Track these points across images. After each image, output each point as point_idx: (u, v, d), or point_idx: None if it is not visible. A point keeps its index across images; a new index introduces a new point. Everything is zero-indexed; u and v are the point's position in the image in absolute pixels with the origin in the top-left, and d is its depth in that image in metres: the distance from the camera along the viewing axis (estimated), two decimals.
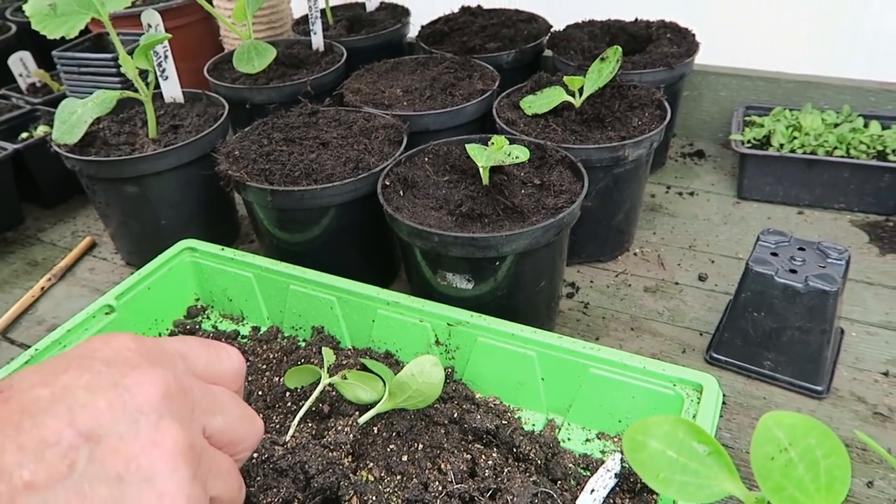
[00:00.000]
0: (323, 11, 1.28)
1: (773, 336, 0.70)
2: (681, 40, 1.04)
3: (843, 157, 0.95)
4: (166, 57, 0.97)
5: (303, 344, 0.78)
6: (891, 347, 0.76)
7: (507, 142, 0.73)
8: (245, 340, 0.80)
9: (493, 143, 0.72)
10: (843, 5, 1.16)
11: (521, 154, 0.70)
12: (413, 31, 1.26)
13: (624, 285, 0.88)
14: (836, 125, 1.00)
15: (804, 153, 0.96)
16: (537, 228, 0.66)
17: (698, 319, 0.81)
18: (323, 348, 0.66)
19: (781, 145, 0.98)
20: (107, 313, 0.75)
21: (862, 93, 1.04)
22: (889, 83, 1.04)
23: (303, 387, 0.69)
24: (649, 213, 1.01)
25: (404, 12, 1.28)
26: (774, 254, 0.71)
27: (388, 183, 0.77)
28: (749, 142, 1.01)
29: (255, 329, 0.81)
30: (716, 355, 0.75)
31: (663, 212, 1.01)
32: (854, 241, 0.92)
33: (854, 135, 0.96)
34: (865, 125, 0.99)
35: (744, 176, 1.00)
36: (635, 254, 0.93)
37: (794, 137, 0.98)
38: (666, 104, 0.88)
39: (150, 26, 0.94)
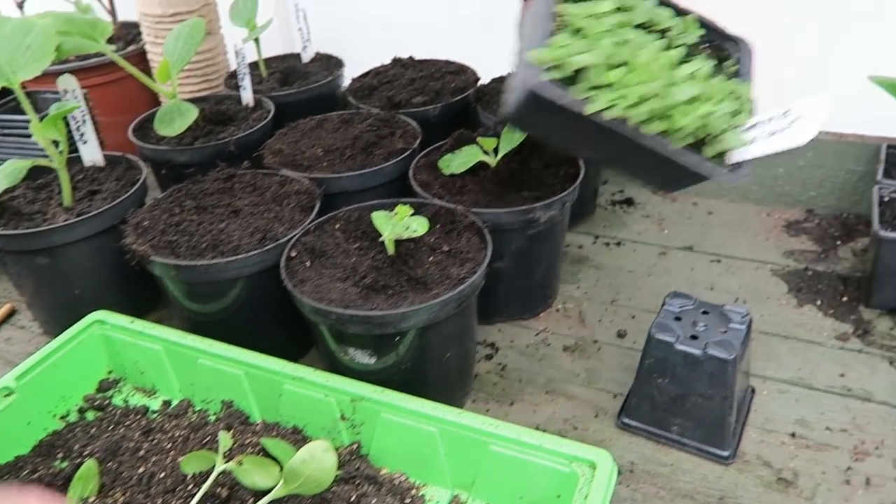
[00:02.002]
0: (256, 64, 1.28)
1: (678, 402, 0.70)
2: None
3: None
4: (84, 121, 0.96)
5: (212, 418, 0.76)
6: (800, 406, 0.76)
7: (411, 210, 0.73)
8: (154, 415, 0.78)
9: (396, 213, 0.72)
10: (767, 55, 1.17)
11: (420, 227, 0.70)
12: (347, 82, 1.26)
13: (543, 344, 0.87)
14: None
15: None
16: (435, 304, 0.66)
17: (613, 380, 0.81)
18: (220, 433, 0.65)
19: None
20: (6, 395, 0.73)
21: None
22: None
23: (202, 471, 0.67)
24: (575, 264, 1.02)
25: (338, 64, 1.28)
26: (678, 318, 0.72)
27: (294, 254, 0.76)
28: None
29: (167, 403, 0.80)
30: (626, 420, 0.75)
31: (589, 264, 1.02)
32: (773, 291, 0.93)
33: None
34: None
35: None
36: (558, 310, 0.93)
37: None
38: (580, 162, 0.88)
39: (66, 91, 0.93)
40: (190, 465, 0.65)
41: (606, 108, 0.57)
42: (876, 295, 0.87)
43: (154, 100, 1.36)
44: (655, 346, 0.69)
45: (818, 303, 0.90)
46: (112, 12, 1.45)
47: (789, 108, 0.65)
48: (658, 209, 1.13)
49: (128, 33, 1.44)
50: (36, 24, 0.89)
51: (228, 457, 0.63)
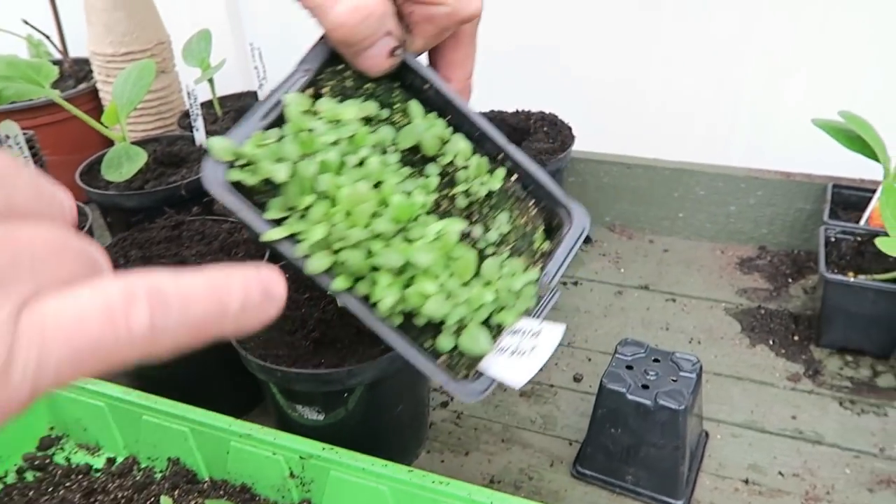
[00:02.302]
0: (210, 103, 1.26)
1: (632, 451, 0.70)
2: (556, 134, 1.05)
3: None
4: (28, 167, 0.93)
5: (158, 476, 0.74)
6: (753, 450, 0.76)
7: None
8: (98, 475, 0.75)
9: None
10: (719, 95, 1.20)
11: None
12: None
13: (500, 390, 0.87)
14: None
15: None
16: (384, 358, 0.65)
17: (569, 427, 0.81)
18: (162, 497, 0.63)
19: None
20: None
21: (733, 179, 1.08)
22: (756, 169, 1.07)
23: None
24: None
25: None
26: (630, 367, 0.71)
27: None
28: None
29: (111, 461, 0.77)
30: (581, 469, 0.74)
31: None
32: (727, 331, 0.94)
33: None
34: None
35: None
36: None
37: None
38: None
39: (7, 137, 0.91)
40: None
41: (286, 240, 0.42)
42: (825, 335, 0.88)
43: (106, 138, 1.34)
44: (607, 396, 0.69)
45: (770, 342, 0.91)
46: (64, 49, 1.42)
47: (540, 330, 0.47)
48: (615, 247, 1.14)
49: (80, 70, 1.41)
50: None
51: None
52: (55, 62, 1.38)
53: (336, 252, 0.42)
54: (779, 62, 1.13)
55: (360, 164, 0.44)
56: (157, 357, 0.25)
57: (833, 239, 0.91)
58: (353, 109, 0.46)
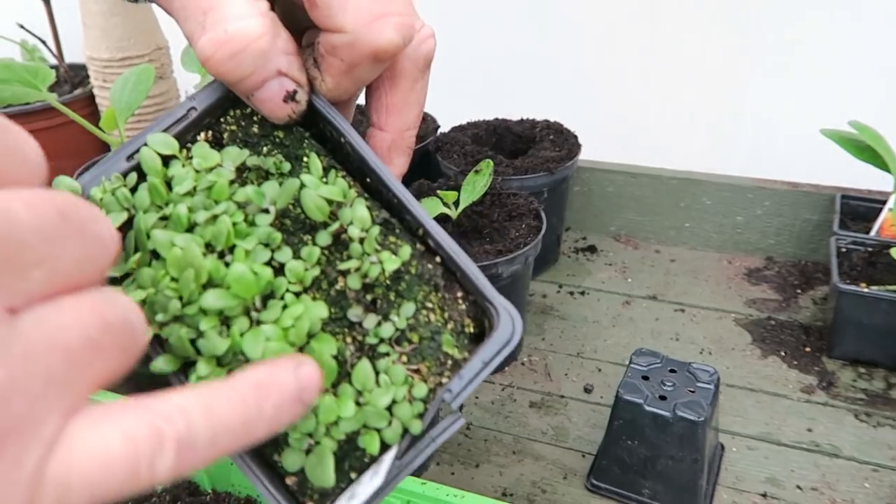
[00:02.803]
0: None
1: (649, 464, 0.68)
2: (563, 142, 1.04)
3: None
4: None
5: (159, 488, 0.71)
6: (770, 463, 0.75)
7: None
8: None
9: None
10: (725, 104, 1.19)
11: None
12: None
13: (510, 400, 0.85)
14: None
15: None
16: None
17: (582, 439, 0.79)
18: None
19: None
20: None
21: (740, 189, 1.07)
22: (763, 179, 1.07)
23: None
24: (540, 315, 1.00)
25: None
26: (646, 377, 0.70)
27: None
28: None
29: None
30: (596, 482, 0.72)
31: (553, 314, 1.00)
32: (737, 342, 0.93)
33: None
34: None
35: None
36: (523, 363, 0.91)
37: None
38: (542, 215, 0.87)
39: None
40: None
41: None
42: (838, 346, 0.87)
43: (103, 144, 1.32)
44: (624, 406, 0.68)
45: (782, 353, 0.90)
46: (59, 55, 1.40)
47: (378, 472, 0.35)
48: (621, 257, 1.12)
49: (75, 76, 1.39)
50: None
51: None
52: (51, 67, 1.36)
53: (161, 324, 0.33)
54: (782, 71, 1.13)
55: (213, 221, 0.35)
56: None
57: (844, 250, 0.90)
58: (231, 156, 0.37)
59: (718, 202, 1.09)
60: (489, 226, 0.87)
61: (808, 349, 0.90)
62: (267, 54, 0.34)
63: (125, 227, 0.35)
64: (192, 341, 0.32)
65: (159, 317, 0.32)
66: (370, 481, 0.33)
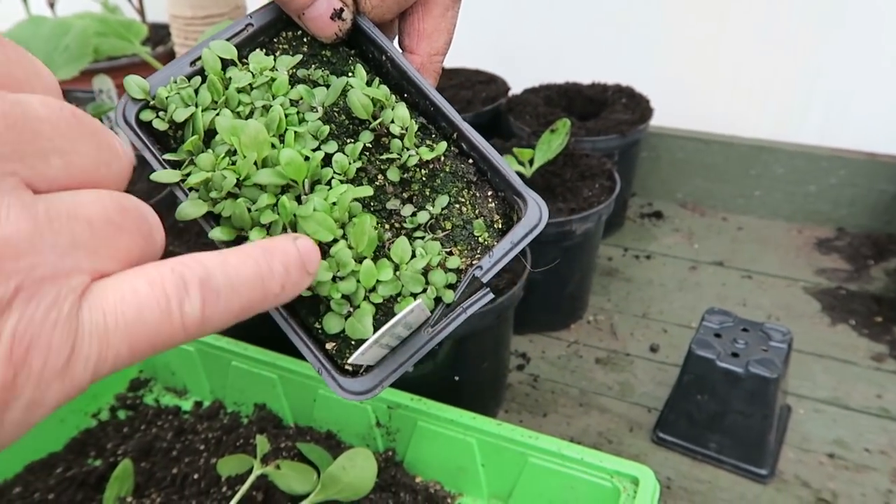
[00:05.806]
0: None
1: (717, 419, 0.70)
2: (635, 106, 1.05)
3: None
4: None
5: (245, 421, 0.76)
6: (837, 426, 0.75)
7: None
8: (186, 416, 0.78)
9: None
10: (798, 71, 1.17)
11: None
12: None
13: (575, 356, 0.87)
14: None
15: None
16: (473, 314, 0.66)
17: (647, 395, 0.81)
18: (258, 436, 0.65)
19: None
20: None
21: (814, 158, 1.06)
22: (839, 149, 1.05)
23: (238, 474, 0.67)
24: (605, 277, 1.01)
25: None
26: (718, 335, 0.71)
27: None
28: None
29: (198, 404, 0.80)
30: (662, 435, 0.74)
31: (619, 276, 1.01)
32: (806, 309, 0.92)
33: None
34: None
35: None
36: (588, 322, 0.93)
37: None
38: (616, 175, 0.88)
39: (101, 91, 0.94)
40: (226, 467, 0.65)
41: (182, 183, 0.37)
42: None
43: None
44: (696, 362, 0.69)
45: (852, 322, 0.89)
46: (141, 13, 1.45)
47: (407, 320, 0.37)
48: (687, 224, 1.12)
49: (157, 34, 1.44)
50: (73, 25, 0.90)
51: (264, 460, 0.62)
52: None
53: (216, 201, 0.37)
54: (859, 38, 1.10)
55: (267, 112, 0.39)
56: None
57: None
58: (284, 62, 0.41)
59: (791, 171, 1.07)
60: (562, 185, 0.89)
61: (879, 319, 0.89)
62: None
63: (189, 122, 0.38)
64: (248, 210, 0.36)
65: (213, 193, 0.36)
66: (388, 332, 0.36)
